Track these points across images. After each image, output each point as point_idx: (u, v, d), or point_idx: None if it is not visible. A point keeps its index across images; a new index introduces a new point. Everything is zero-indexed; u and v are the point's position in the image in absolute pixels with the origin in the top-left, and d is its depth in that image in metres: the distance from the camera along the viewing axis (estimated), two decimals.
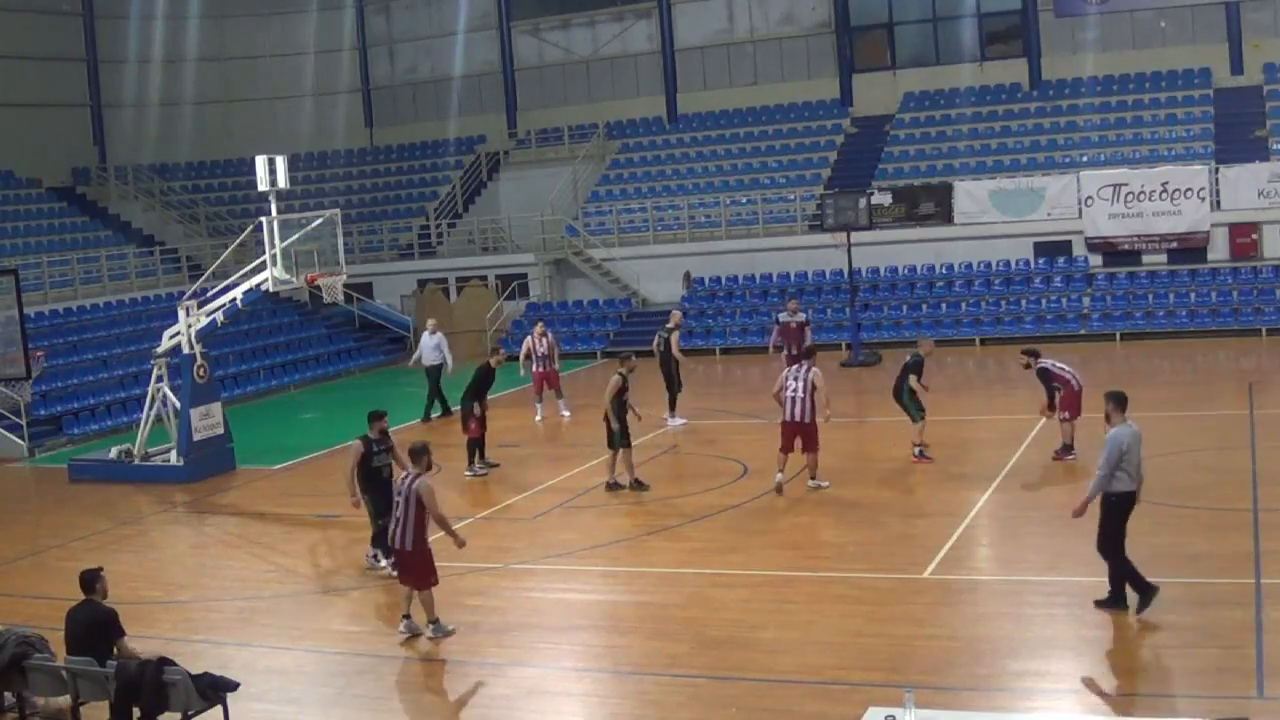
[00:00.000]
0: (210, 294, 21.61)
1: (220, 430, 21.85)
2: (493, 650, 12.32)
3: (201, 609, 14.38)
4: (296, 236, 20.53)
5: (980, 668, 11.03)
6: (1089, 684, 10.66)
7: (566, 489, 18.64)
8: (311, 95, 44.07)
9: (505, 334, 34.38)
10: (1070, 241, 32.11)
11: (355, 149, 44.25)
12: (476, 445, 20.06)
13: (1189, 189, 30.87)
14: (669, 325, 23.73)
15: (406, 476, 12.59)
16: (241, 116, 43.42)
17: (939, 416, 19.54)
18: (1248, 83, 35.04)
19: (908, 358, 18.92)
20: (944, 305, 32.14)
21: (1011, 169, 34.10)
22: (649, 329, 33.56)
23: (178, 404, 21.35)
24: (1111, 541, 11.86)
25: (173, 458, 21.46)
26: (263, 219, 20.53)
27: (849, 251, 29.17)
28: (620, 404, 17.85)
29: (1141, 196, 31.12)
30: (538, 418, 24.48)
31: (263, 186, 20.46)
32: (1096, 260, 31.97)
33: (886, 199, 33.11)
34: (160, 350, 21.73)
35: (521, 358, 25.08)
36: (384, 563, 14.64)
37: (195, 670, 10.22)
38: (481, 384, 20.28)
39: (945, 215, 33.03)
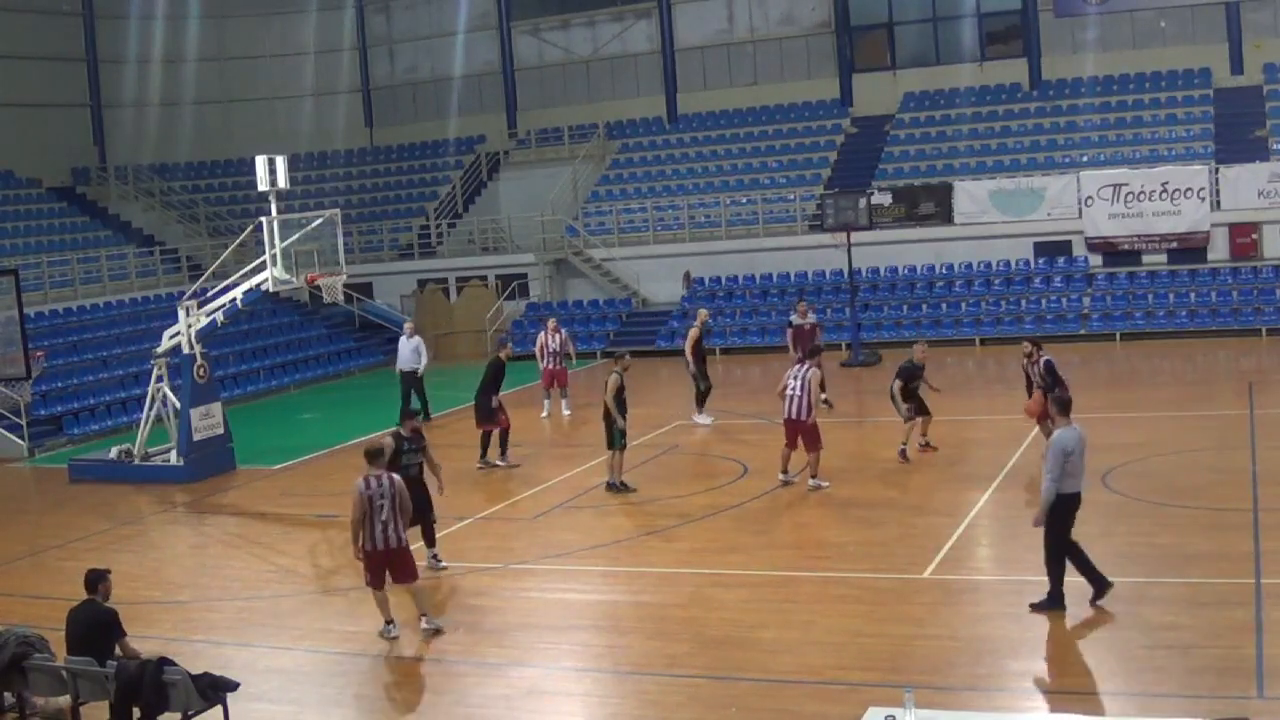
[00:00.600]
0: (210, 294, 21.61)
1: (220, 430, 21.85)
2: (493, 650, 12.32)
3: (201, 609, 14.38)
4: (296, 236, 20.53)
5: (980, 668, 11.03)
6: (1089, 684, 10.66)
7: (567, 489, 18.64)
8: (311, 95, 44.08)
9: (505, 334, 34.40)
10: (1070, 241, 32.12)
11: (355, 149, 44.25)
12: (505, 436, 20.36)
13: (1189, 189, 30.87)
14: (695, 323, 23.94)
15: (381, 476, 12.55)
16: (241, 116, 43.41)
17: (939, 416, 19.52)
18: (1248, 83, 35.05)
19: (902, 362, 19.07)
20: (944, 305, 32.15)
21: (1011, 169, 34.11)
22: (649, 329, 33.73)
23: (178, 404, 21.35)
24: (1059, 540, 12.01)
25: (173, 458, 21.46)
26: (263, 219, 20.53)
27: (849, 251, 29.17)
28: (621, 403, 17.86)
29: (1141, 196, 31.12)
30: (544, 414, 24.65)
31: (263, 186, 20.46)
32: (1096, 260, 31.97)
33: (886, 199, 33.11)
34: (160, 350, 21.73)
35: (537, 353, 25.16)
36: (444, 563, 14.89)
37: (195, 670, 10.22)
38: (496, 378, 20.52)
39: (945, 215, 33.04)
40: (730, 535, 15.65)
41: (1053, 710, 10.17)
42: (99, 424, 26.62)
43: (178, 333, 21.31)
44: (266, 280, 20.42)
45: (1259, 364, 26.33)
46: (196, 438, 21.31)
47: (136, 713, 10.04)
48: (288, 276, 20.40)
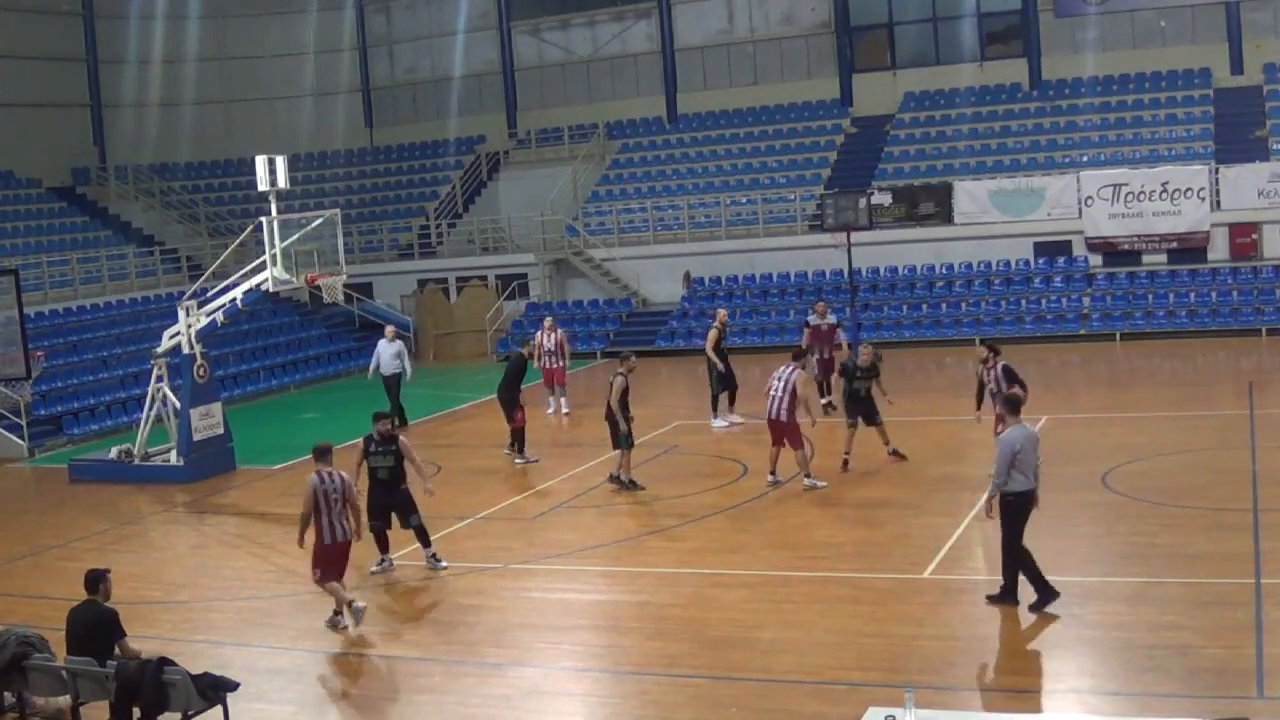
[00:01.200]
0: (210, 294, 21.61)
1: (220, 430, 21.85)
2: (492, 650, 12.32)
3: (201, 609, 14.38)
4: (296, 236, 20.53)
5: (980, 668, 11.03)
6: (1088, 684, 10.66)
7: (567, 489, 18.64)
8: (311, 95, 44.05)
9: (505, 334, 34.42)
10: (1070, 241, 32.10)
11: (355, 149, 44.24)
12: (522, 433, 20.62)
13: (1189, 189, 30.87)
14: (714, 323, 23.89)
15: (333, 473, 12.99)
16: (241, 116, 43.40)
17: (939, 416, 19.53)
18: (1248, 83, 35.04)
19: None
20: (944, 305, 32.14)
21: (1011, 169, 34.10)
22: (649, 329, 33.71)
23: (178, 404, 21.35)
24: (1012, 540, 12.15)
25: (173, 458, 21.46)
26: (263, 219, 20.53)
27: (849, 251, 29.12)
28: (625, 404, 17.88)
29: (1141, 196, 31.12)
30: (549, 410, 24.87)
31: (263, 186, 20.45)
32: (1096, 260, 31.96)
33: (886, 199, 33.10)
34: (160, 350, 21.73)
35: (535, 353, 25.22)
36: (444, 562, 14.91)
37: (195, 670, 10.22)
38: (518, 375, 20.80)
39: (945, 215, 33.03)
40: (730, 535, 15.66)
41: (1052, 710, 10.17)
42: (99, 424, 26.62)
43: (178, 333, 21.31)
44: (266, 280, 20.42)
45: (1259, 364, 26.32)
46: (196, 438, 21.32)
47: (136, 713, 10.04)
48: (288, 276, 20.40)
